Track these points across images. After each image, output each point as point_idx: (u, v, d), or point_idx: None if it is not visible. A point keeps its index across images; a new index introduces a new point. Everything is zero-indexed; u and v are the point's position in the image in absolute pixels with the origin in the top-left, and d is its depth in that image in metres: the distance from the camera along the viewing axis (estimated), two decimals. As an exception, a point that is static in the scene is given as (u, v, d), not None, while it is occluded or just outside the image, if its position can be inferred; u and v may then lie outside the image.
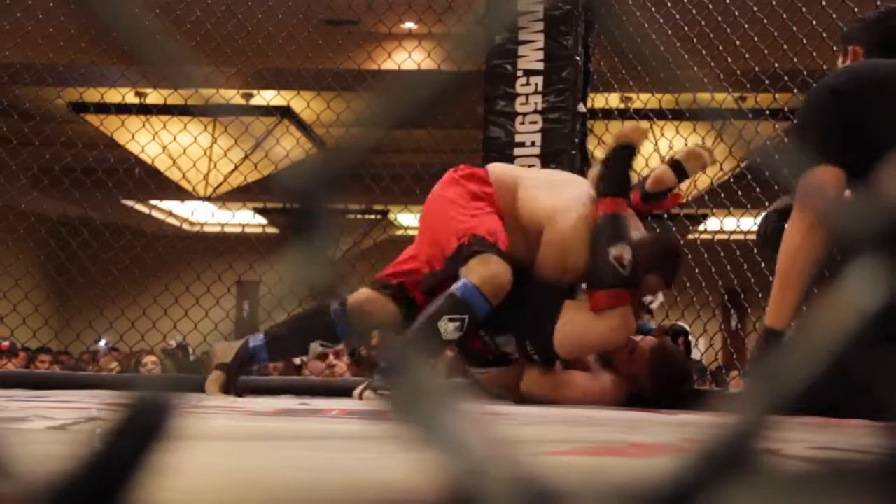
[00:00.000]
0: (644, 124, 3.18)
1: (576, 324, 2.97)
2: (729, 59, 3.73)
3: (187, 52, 0.45)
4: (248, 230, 6.06)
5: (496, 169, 3.24)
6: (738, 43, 3.59)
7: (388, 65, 5.24)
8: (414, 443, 0.41)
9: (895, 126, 2.18)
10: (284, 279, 0.45)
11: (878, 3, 3.20)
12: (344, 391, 3.29)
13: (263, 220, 9.95)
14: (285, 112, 7.62)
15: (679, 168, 3.18)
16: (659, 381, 3.07)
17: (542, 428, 1.83)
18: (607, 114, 4.51)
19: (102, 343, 8.17)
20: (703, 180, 4.10)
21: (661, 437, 1.58)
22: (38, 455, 0.45)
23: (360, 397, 2.93)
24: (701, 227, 5.75)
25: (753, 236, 3.88)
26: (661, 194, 3.22)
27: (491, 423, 0.42)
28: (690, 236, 4.24)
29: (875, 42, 2.41)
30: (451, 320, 2.78)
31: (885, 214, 0.49)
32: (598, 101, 4.52)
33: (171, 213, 10.54)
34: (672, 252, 3.08)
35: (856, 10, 3.31)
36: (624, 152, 3.05)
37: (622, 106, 5.29)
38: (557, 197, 3.07)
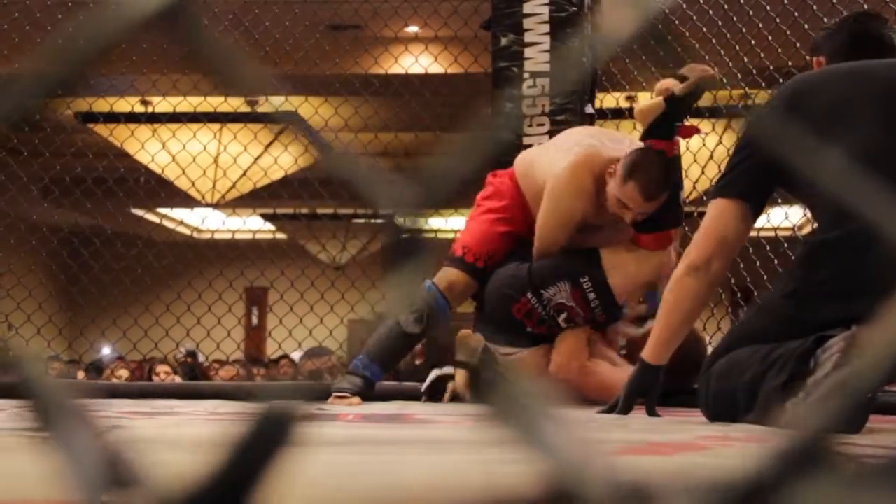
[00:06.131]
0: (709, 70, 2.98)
1: (628, 262, 3.04)
2: (745, 59, 3.73)
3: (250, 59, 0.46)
4: (258, 237, 6.07)
5: (519, 159, 3.31)
6: (752, 42, 3.58)
7: (395, 69, 5.25)
8: (513, 446, 0.43)
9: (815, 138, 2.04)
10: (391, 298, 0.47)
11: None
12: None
13: (272, 227, 9.96)
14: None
15: (673, 100, 2.94)
16: (678, 367, 3.06)
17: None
18: (617, 113, 4.49)
19: (107, 351, 8.18)
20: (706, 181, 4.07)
21: (679, 437, 1.59)
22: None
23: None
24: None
25: (765, 234, 3.86)
26: (662, 131, 2.99)
27: (579, 426, 0.44)
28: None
29: (836, 49, 2.18)
30: None
31: None
32: (608, 100, 4.51)
33: (181, 222, 10.57)
34: (650, 161, 2.90)
35: (865, 6, 3.30)
36: (692, 95, 2.89)
37: (629, 105, 5.28)
38: (551, 166, 3.12)
